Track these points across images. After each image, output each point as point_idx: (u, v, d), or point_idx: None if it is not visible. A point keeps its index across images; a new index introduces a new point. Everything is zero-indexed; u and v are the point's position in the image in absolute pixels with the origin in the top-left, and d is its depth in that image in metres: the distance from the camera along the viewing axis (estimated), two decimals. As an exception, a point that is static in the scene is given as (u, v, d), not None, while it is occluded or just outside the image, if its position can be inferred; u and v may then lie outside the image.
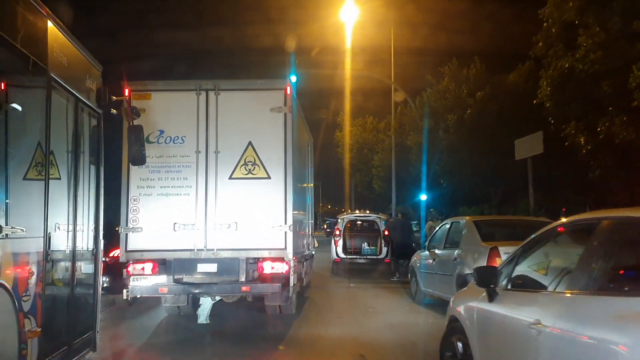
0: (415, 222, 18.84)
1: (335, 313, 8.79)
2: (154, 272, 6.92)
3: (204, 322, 7.91)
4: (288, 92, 7.03)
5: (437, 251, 8.84)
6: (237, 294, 7.07)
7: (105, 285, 8.82)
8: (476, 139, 15.86)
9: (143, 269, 6.92)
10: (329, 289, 12.00)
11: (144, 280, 6.92)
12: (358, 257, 14.67)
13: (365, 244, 14.65)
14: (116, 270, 7.99)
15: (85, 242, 4.55)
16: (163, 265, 6.92)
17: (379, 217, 15.36)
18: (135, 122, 6.74)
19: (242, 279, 6.89)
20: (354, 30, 19.25)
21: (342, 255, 14.52)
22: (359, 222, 15.78)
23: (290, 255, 6.88)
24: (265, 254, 6.89)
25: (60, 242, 4.11)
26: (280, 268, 6.92)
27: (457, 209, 20.93)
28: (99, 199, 4.74)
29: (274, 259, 6.90)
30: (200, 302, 8.60)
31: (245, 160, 6.97)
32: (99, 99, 4.71)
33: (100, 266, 4.77)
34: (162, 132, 7.02)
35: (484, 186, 17.93)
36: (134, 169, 6.93)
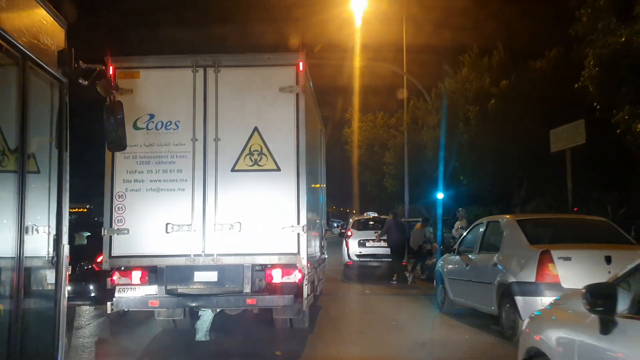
0: (427, 221, 17.29)
1: (354, 327, 7.67)
2: (142, 282, 5.87)
3: (203, 339, 6.84)
4: (301, 68, 5.96)
5: (470, 255, 7.62)
6: (242, 307, 5.99)
7: (92, 294, 7.78)
8: (501, 131, 14.56)
9: (130, 277, 5.87)
10: (343, 296, 10.91)
11: (131, 292, 5.87)
12: (372, 259, 13.52)
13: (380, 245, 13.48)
14: (104, 279, 6.78)
15: (41, 246, 3.48)
16: (154, 273, 5.87)
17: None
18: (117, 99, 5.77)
19: (248, 289, 5.82)
20: (360, 27, 18.55)
21: (354, 257, 13.47)
22: (373, 223, 14.73)
23: (304, 262, 5.80)
24: (275, 259, 5.81)
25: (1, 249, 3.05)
26: (293, 276, 5.84)
27: (471, 208, 19.45)
28: (62, 192, 3.65)
29: (284, 266, 5.83)
30: (200, 314, 7.54)
31: (250, 149, 5.91)
32: (62, 63, 3.61)
33: (64, 277, 3.67)
34: (152, 116, 5.97)
35: (507, 183, 16.63)
36: (119, 160, 5.89)
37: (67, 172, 3.68)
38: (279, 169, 5.88)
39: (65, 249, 3.67)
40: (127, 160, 5.89)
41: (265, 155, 5.89)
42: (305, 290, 6.07)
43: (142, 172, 5.90)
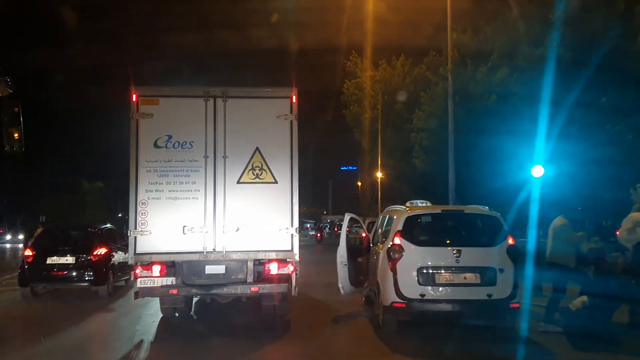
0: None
1: None
2: (162, 274, 7.07)
3: (201, 322, 8.06)
4: (294, 100, 7.31)
5: None
6: (247, 294, 7.27)
7: (90, 278, 10.35)
8: None
9: (151, 271, 7.06)
10: None
11: (152, 282, 7.06)
12: (451, 299, 6.67)
13: (468, 270, 6.66)
14: (99, 266, 10.53)
15: None
16: (172, 267, 7.08)
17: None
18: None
19: (250, 279, 7.13)
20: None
21: (410, 294, 6.64)
22: (449, 224, 7.76)
23: (297, 257, 7.16)
24: (273, 255, 7.14)
25: None
26: (287, 269, 7.19)
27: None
28: None
29: (280, 261, 7.16)
30: (194, 304, 8.81)
31: (252, 165, 7.20)
32: None
33: None
34: (170, 137, 7.18)
35: None
36: (142, 173, 7.08)
37: None
38: (276, 182, 7.20)
39: None
40: (149, 174, 7.09)
41: (265, 171, 7.21)
42: (294, 280, 7.44)
43: (162, 183, 7.10)
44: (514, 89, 11.65)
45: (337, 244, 8.37)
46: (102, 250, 10.86)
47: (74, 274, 10.40)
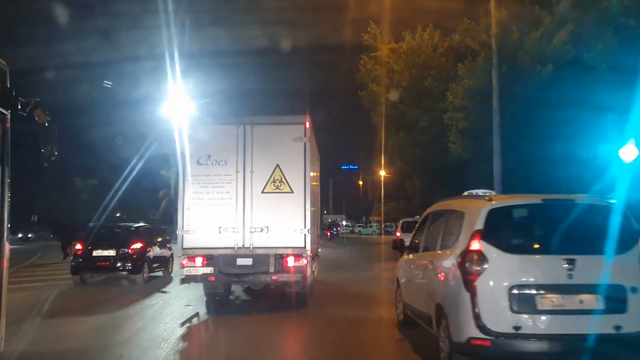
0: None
1: None
2: (203, 265, 8.94)
3: (237, 304, 9.93)
4: (307, 125, 9.09)
5: None
6: (269, 282, 9.08)
7: (129, 267, 12.79)
8: None
9: (194, 262, 8.93)
10: None
11: (195, 271, 8.94)
12: (560, 333, 4.54)
13: (586, 290, 4.61)
14: (135, 258, 12.94)
15: None
16: (211, 259, 8.94)
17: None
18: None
19: (272, 270, 8.93)
20: None
21: (499, 326, 4.54)
22: (553, 213, 5.19)
23: (309, 252, 8.95)
24: (290, 251, 8.93)
25: None
26: (301, 262, 8.97)
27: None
28: (3, 202, 4.55)
29: (296, 255, 8.94)
30: (232, 289, 10.73)
31: (273, 178, 9.01)
32: (4, 99, 4.62)
33: (5, 269, 4.60)
34: (209, 156, 9.04)
35: None
36: (187, 185, 8.96)
37: (7, 185, 4.59)
38: (292, 192, 8.98)
39: (5, 246, 4.55)
40: (193, 185, 8.96)
41: (284, 183, 9.01)
42: (309, 271, 9.21)
43: (203, 192, 8.97)
44: (586, 55, 9.07)
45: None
46: (138, 245, 13.21)
47: (116, 264, 12.87)
